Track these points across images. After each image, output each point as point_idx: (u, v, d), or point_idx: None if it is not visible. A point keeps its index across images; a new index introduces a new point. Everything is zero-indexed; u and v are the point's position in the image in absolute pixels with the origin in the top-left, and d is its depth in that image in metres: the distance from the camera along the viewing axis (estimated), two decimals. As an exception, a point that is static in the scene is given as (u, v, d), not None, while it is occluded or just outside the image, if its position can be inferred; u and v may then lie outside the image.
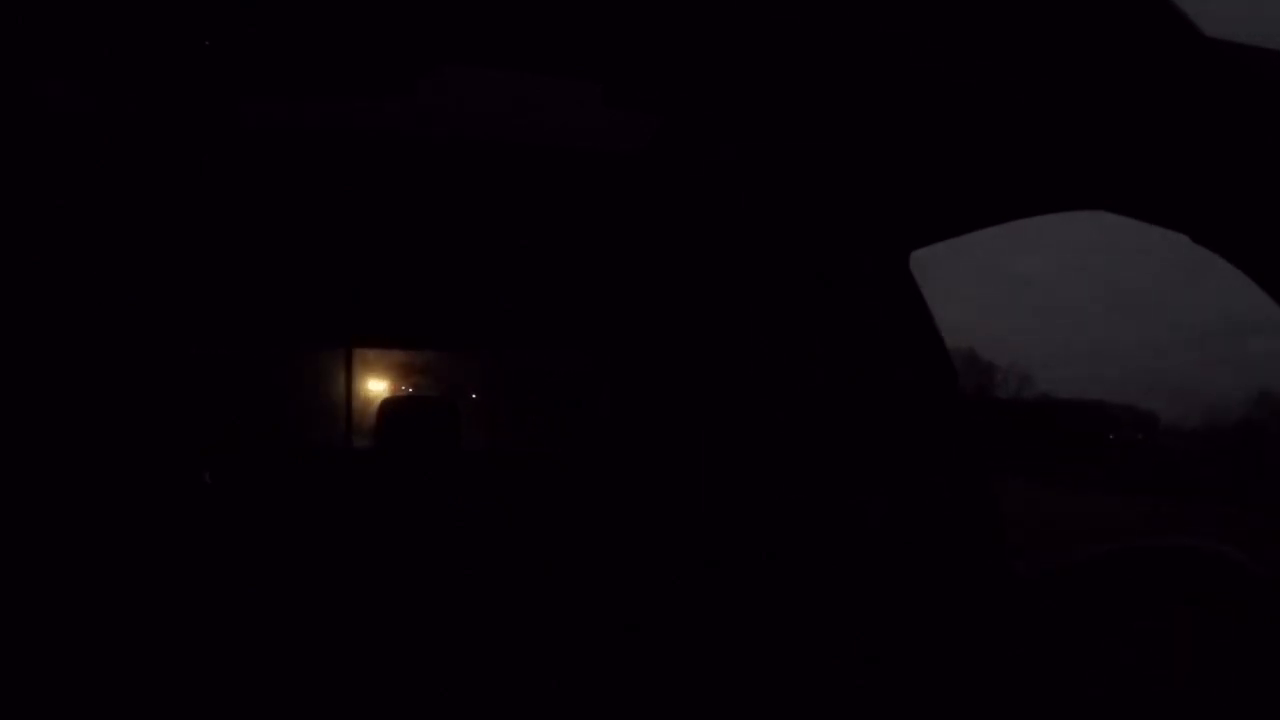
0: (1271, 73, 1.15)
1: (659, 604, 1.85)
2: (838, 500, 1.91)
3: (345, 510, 1.94)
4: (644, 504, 1.92)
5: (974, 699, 1.72)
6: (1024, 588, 1.76)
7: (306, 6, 1.45)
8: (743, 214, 1.91)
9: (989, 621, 1.77)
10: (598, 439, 2.07)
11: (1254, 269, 1.21)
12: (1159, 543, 1.72)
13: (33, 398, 1.85)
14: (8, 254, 1.82)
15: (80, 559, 1.78)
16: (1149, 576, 1.66)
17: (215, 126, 1.72)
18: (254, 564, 1.83)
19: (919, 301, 1.87)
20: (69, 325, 1.89)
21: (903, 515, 1.87)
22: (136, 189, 1.82)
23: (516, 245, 1.98)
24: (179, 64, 1.56)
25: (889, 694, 1.76)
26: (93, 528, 1.80)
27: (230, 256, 1.93)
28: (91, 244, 1.87)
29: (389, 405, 2.17)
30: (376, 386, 3.04)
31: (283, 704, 1.74)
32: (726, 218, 1.93)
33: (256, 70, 1.58)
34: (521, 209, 1.91)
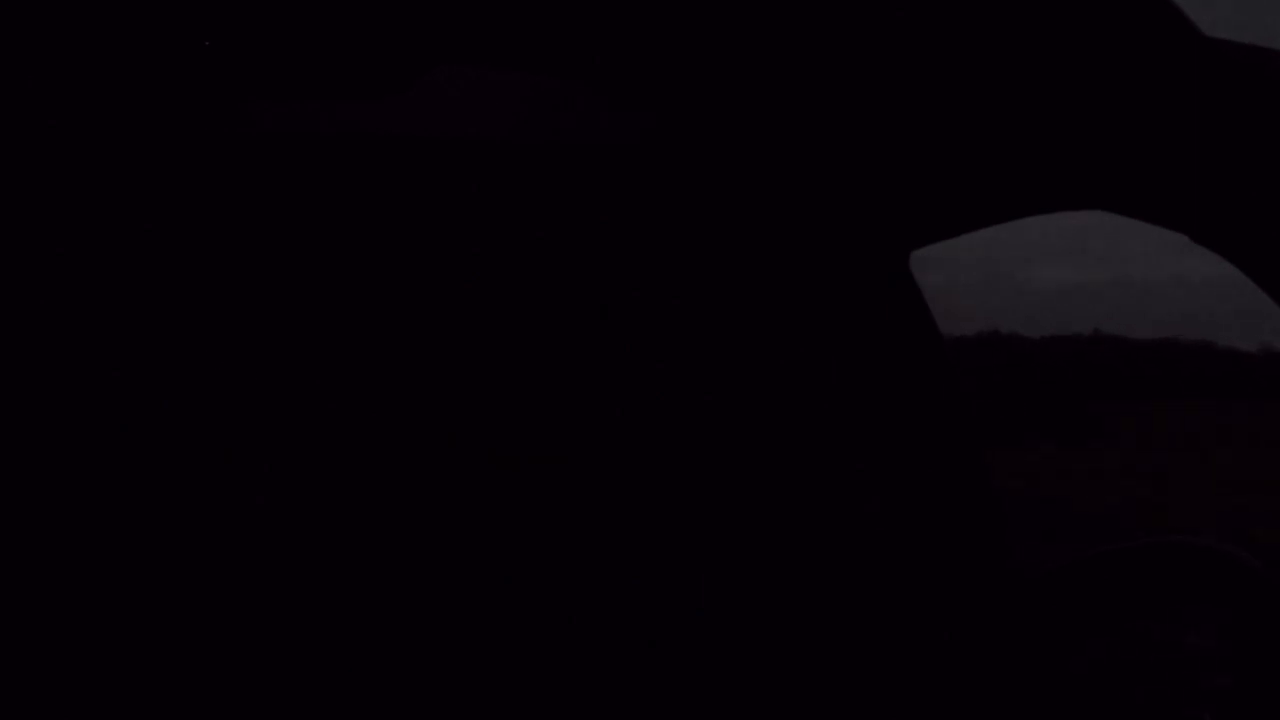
0: (1271, 73, 1.15)
1: (656, 604, 1.85)
2: (837, 501, 1.91)
3: (344, 508, 1.94)
4: (639, 503, 1.92)
5: (974, 699, 1.72)
6: (1024, 588, 1.76)
7: (305, 7, 1.45)
8: (742, 214, 1.91)
9: (989, 622, 1.77)
10: (597, 439, 2.07)
11: (1254, 269, 1.21)
12: (1159, 541, 1.72)
13: (33, 398, 1.84)
14: (11, 255, 1.82)
15: (81, 559, 1.78)
16: (1149, 576, 1.66)
17: (213, 128, 1.72)
18: (251, 563, 1.83)
19: (919, 301, 1.87)
20: (69, 326, 1.88)
21: (902, 516, 1.87)
22: (136, 190, 1.82)
23: (517, 245, 1.98)
24: (178, 66, 1.56)
25: (889, 694, 1.76)
26: (94, 528, 1.80)
27: (229, 258, 1.93)
28: (91, 245, 1.87)
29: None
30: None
31: (280, 703, 1.74)
32: (726, 217, 1.93)
33: (254, 72, 1.58)
34: (521, 208, 1.91)
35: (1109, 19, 1.18)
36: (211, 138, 1.74)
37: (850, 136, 1.66)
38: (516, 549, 1.90)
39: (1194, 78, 1.17)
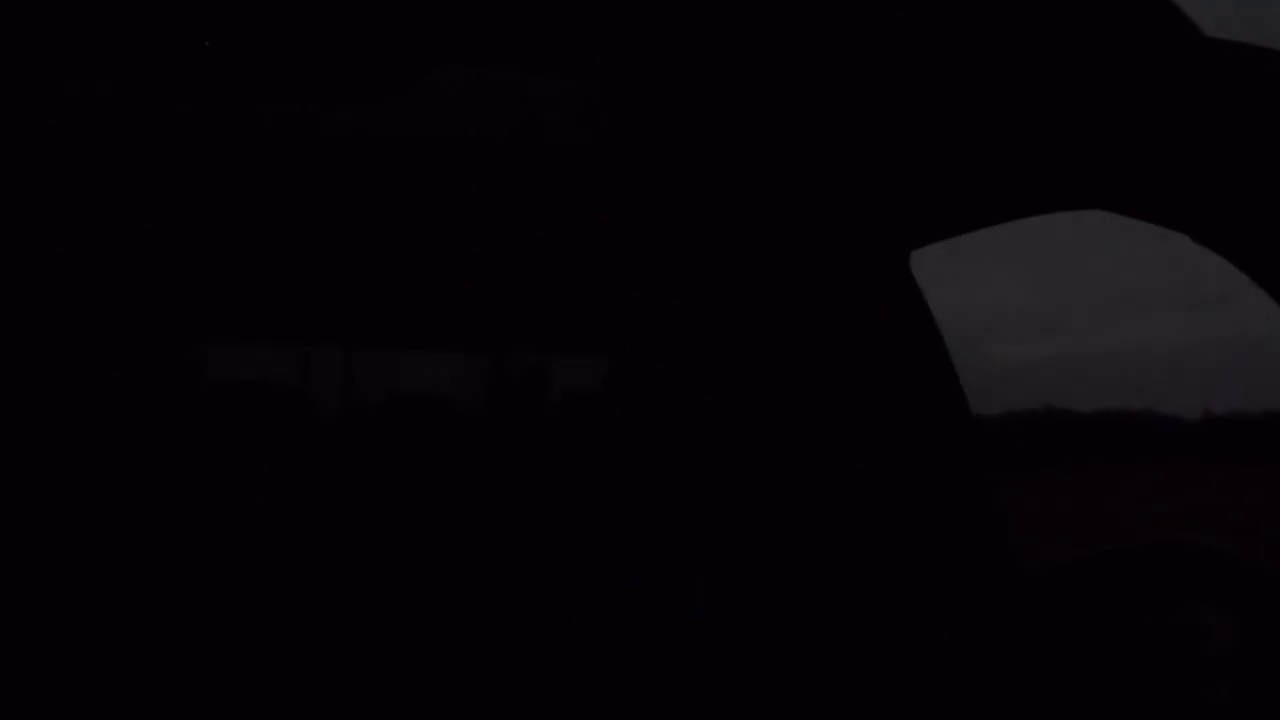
0: (1271, 73, 1.15)
1: (656, 604, 1.85)
2: (837, 501, 1.91)
3: (344, 508, 1.94)
4: (639, 503, 1.92)
5: (975, 699, 1.71)
6: (1024, 588, 1.76)
7: (305, 6, 1.45)
8: (741, 213, 1.91)
9: (989, 622, 1.77)
10: (597, 438, 2.07)
11: (1254, 269, 1.21)
12: (1159, 541, 1.72)
13: (33, 398, 1.84)
14: (11, 255, 1.82)
15: (81, 559, 1.78)
16: (1149, 576, 1.66)
17: (213, 128, 1.72)
18: (249, 562, 1.83)
19: (919, 302, 1.87)
20: (69, 326, 1.88)
21: (902, 516, 1.87)
22: (136, 190, 1.82)
23: (517, 245, 1.98)
24: (177, 65, 1.56)
25: (889, 694, 1.76)
26: (92, 526, 1.80)
27: (229, 258, 1.93)
28: (91, 245, 1.87)
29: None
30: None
31: (280, 703, 1.74)
32: (725, 217, 1.93)
33: (254, 72, 1.58)
34: (521, 208, 1.91)
35: (1109, 19, 1.18)
36: (211, 138, 1.74)
37: (850, 136, 1.66)
38: (516, 549, 1.90)
39: (1194, 78, 1.17)
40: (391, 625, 1.81)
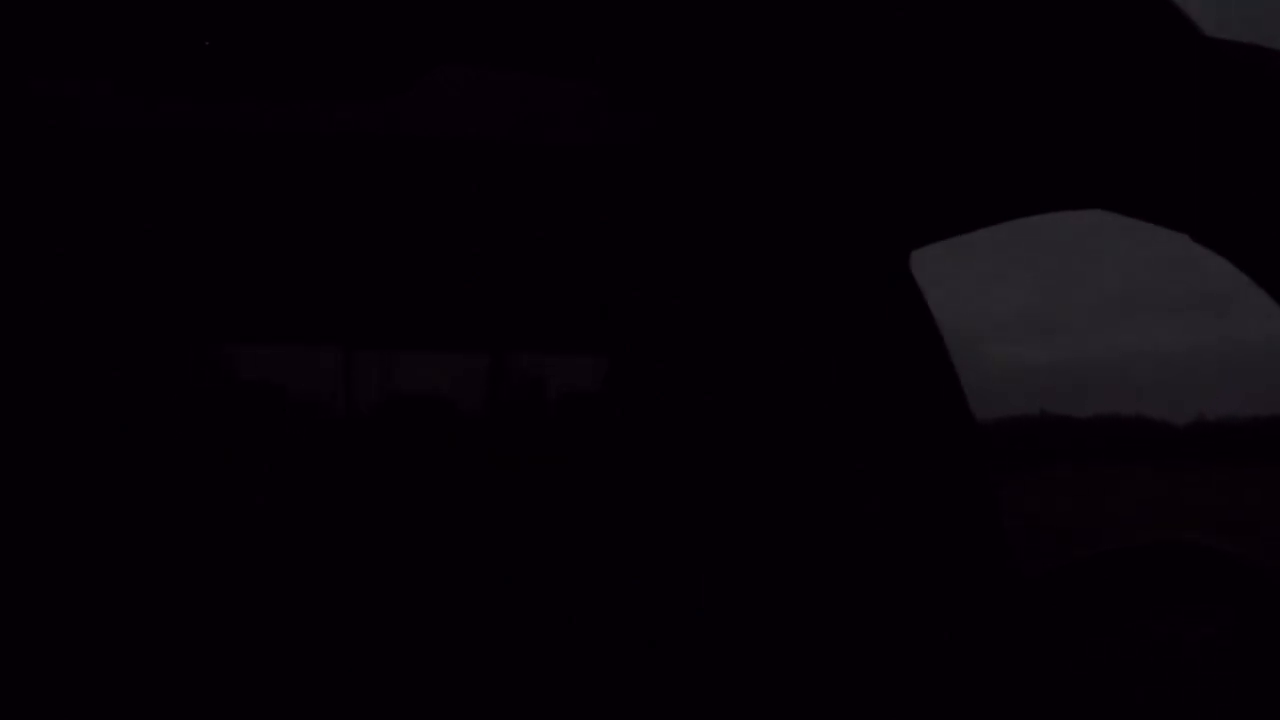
0: (1271, 73, 1.15)
1: (656, 604, 1.85)
2: (837, 501, 1.91)
3: (344, 508, 1.94)
4: (639, 503, 1.92)
5: (974, 699, 1.72)
6: (1024, 588, 1.77)
7: (306, 6, 1.45)
8: (741, 213, 1.91)
9: (989, 622, 1.77)
10: (597, 439, 2.07)
11: (1254, 269, 1.22)
12: (1159, 541, 1.72)
13: (33, 398, 1.84)
14: (11, 255, 1.82)
15: (81, 559, 1.78)
16: (1149, 576, 1.66)
17: (213, 128, 1.72)
18: (249, 562, 1.83)
19: (919, 302, 1.87)
20: (69, 326, 1.89)
21: (902, 516, 1.87)
22: (136, 190, 1.82)
23: (517, 245, 1.98)
24: (178, 65, 1.56)
25: (889, 694, 1.76)
26: (93, 526, 1.80)
27: (229, 259, 1.93)
28: (91, 245, 1.87)
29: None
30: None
31: (280, 703, 1.74)
32: (725, 217, 1.93)
33: (254, 72, 1.58)
34: (521, 208, 1.91)
35: (1109, 19, 1.18)
36: (211, 138, 1.74)
37: (849, 136, 1.66)
38: (516, 549, 1.90)
39: (1194, 78, 1.17)
40: (391, 624, 1.81)
